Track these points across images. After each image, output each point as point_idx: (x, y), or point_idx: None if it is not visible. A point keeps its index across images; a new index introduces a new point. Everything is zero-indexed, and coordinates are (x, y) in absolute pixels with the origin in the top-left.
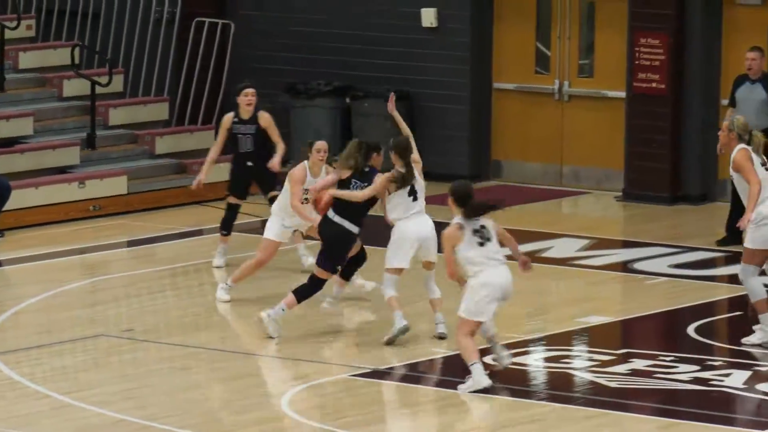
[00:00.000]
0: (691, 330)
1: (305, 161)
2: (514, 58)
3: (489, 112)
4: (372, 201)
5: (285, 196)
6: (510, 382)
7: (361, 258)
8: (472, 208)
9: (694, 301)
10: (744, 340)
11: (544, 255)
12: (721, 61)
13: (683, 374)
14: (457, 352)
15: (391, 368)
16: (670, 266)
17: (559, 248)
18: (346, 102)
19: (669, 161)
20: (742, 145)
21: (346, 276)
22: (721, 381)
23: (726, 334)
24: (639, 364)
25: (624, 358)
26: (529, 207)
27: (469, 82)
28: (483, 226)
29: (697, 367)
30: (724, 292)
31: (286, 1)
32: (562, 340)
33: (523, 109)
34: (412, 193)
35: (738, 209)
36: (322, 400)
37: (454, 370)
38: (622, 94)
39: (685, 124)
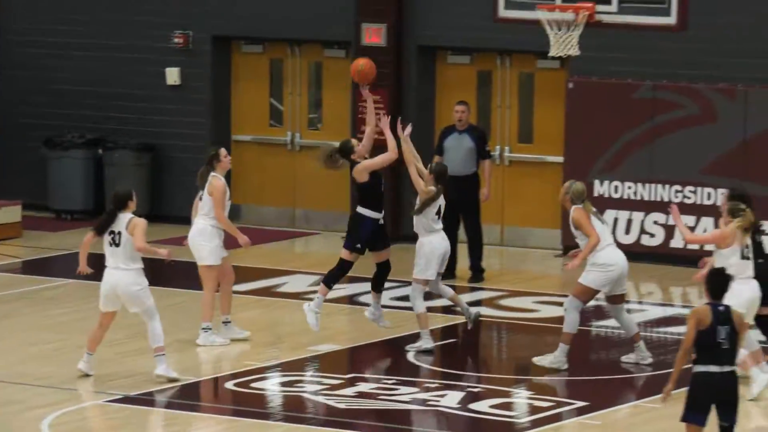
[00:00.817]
0: (410, 355)
1: (214, 173)
2: (251, 113)
3: None
4: (378, 184)
5: (202, 219)
6: (248, 405)
7: (386, 267)
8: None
9: (412, 330)
10: (538, 360)
11: (279, 290)
12: (435, 113)
13: (404, 395)
14: (211, 377)
15: (143, 394)
16: (392, 299)
17: (293, 284)
18: (99, 153)
19: (387, 206)
20: (576, 206)
21: (377, 288)
22: (438, 401)
23: (441, 359)
24: (365, 387)
25: (351, 382)
26: (266, 247)
27: (210, 134)
28: (119, 232)
29: (416, 389)
30: (440, 322)
31: (45, 62)
32: (296, 366)
33: (259, 158)
34: (439, 213)
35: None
36: (79, 424)
37: (197, 395)
38: None
39: (403, 172)
